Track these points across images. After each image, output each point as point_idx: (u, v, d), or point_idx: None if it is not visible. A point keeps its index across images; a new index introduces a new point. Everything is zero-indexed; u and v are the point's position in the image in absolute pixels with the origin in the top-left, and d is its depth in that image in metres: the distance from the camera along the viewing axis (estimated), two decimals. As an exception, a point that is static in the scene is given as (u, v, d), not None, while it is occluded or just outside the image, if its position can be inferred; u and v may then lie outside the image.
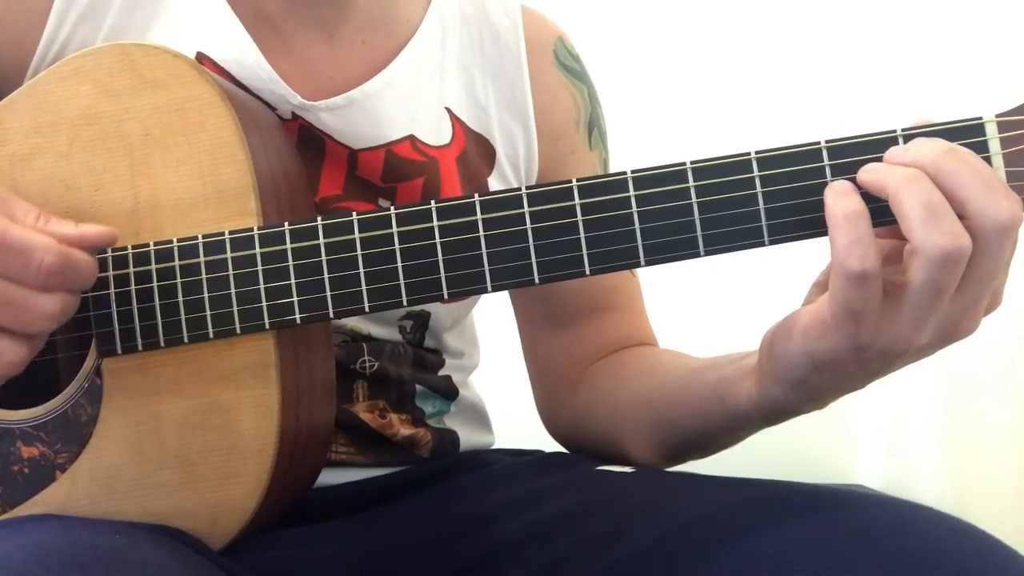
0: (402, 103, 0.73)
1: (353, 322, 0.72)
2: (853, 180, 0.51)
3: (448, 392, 0.79)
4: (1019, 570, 0.49)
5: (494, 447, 0.83)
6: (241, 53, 0.69)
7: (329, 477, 0.70)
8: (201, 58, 0.68)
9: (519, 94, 0.78)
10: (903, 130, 0.53)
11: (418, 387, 0.76)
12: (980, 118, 0.52)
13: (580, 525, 0.61)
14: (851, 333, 0.50)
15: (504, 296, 0.83)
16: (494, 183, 0.77)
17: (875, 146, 0.52)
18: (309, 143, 0.70)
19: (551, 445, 0.82)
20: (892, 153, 0.51)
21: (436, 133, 0.74)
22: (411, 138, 0.73)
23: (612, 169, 0.83)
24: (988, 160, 0.52)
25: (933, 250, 0.48)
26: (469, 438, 0.80)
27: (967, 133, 0.52)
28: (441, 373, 0.79)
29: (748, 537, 0.53)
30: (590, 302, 0.79)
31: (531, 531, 0.63)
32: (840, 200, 0.50)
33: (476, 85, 0.77)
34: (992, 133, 0.52)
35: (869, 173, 0.51)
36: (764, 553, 0.52)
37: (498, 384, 0.90)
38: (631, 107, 1.25)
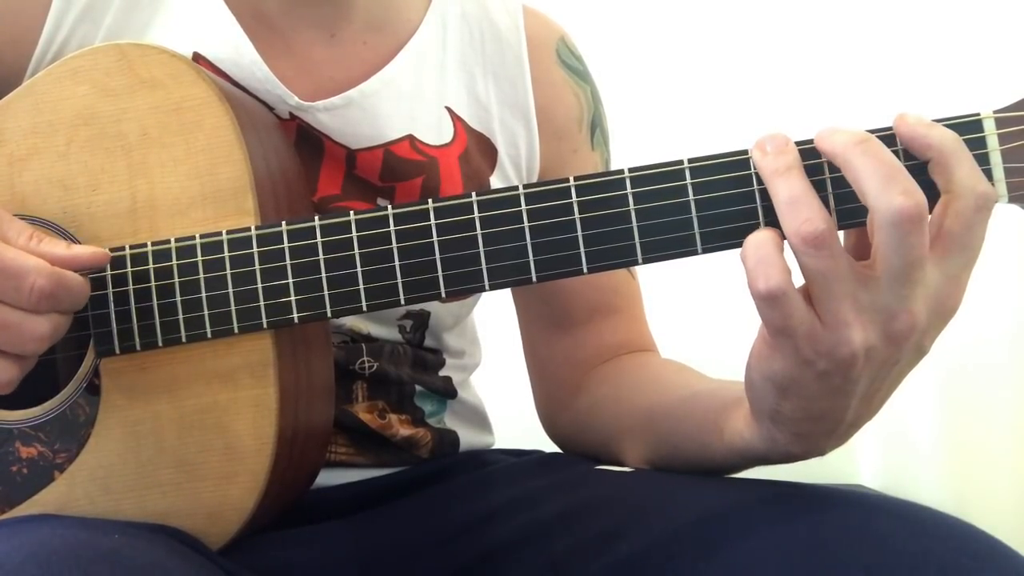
0: (401, 102, 0.73)
1: (352, 321, 0.72)
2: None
3: (447, 393, 0.78)
4: (1019, 570, 0.49)
5: (494, 447, 0.83)
6: (238, 53, 0.69)
7: (328, 478, 0.70)
8: (197, 58, 0.68)
9: (521, 93, 0.78)
10: (901, 126, 0.52)
11: (417, 387, 0.76)
12: (978, 114, 0.52)
13: (579, 525, 0.61)
14: (790, 349, 0.50)
15: (504, 296, 0.83)
16: (496, 182, 0.77)
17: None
18: (307, 143, 0.70)
19: (551, 445, 0.82)
20: (819, 135, 0.51)
21: (437, 132, 0.74)
22: (410, 138, 0.72)
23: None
24: (985, 157, 0.52)
25: (794, 238, 0.49)
26: (469, 438, 0.80)
27: (964, 129, 0.52)
28: (441, 373, 0.78)
29: (747, 537, 0.53)
30: (591, 304, 0.79)
31: (530, 531, 0.63)
32: (752, 236, 0.50)
33: (477, 84, 0.77)
34: (990, 129, 0.52)
35: (755, 153, 0.52)
36: (763, 553, 0.52)
37: (498, 384, 0.90)
38: (632, 107, 1.25)
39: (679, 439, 0.65)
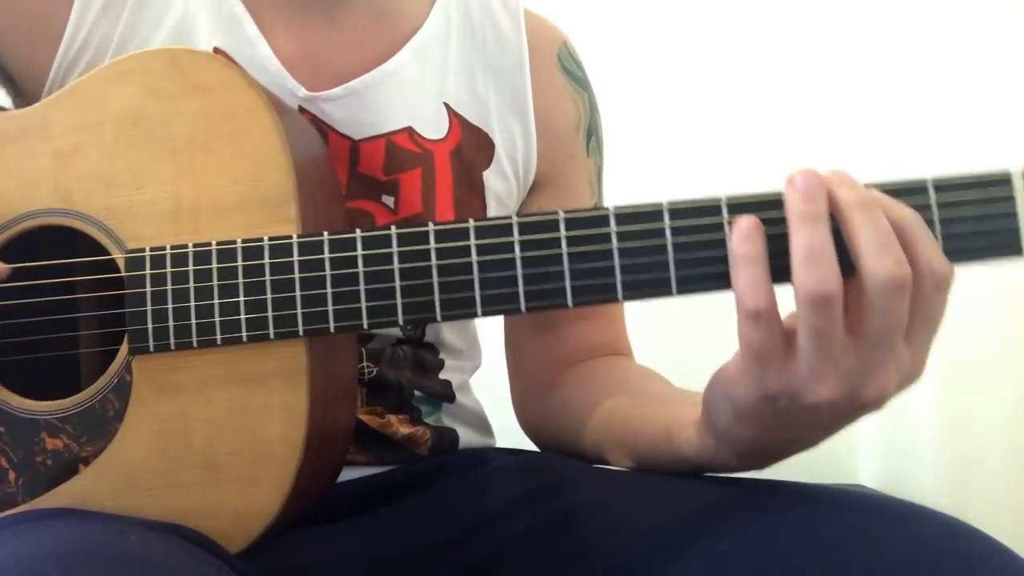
0: (404, 94, 0.74)
1: None
2: None
3: (446, 397, 0.79)
4: (1017, 571, 0.50)
5: (493, 447, 0.84)
6: (253, 48, 0.71)
7: None
8: (217, 52, 0.70)
9: (520, 94, 0.79)
10: (934, 180, 0.54)
11: (416, 392, 0.76)
12: (1008, 173, 0.54)
13: (579, 523, 0.62)
14: (758, 377, 0.52)
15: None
16: (491, 177, 0.78)
17: (903, 192, 0.54)
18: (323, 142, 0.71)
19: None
20: (831, 179, 0.52)
21: (434, 127, 0.75)
22: (409, 130, 0.74)
23: (604, 179, 0.86)
24: (1015, 217, 0.53)
25: (801, 291, 0.50)
26: (468, 437, 0.80)
27: (993, 186, 0.54)
28: (441, 376, 0.79)
29: (746, 536, 0.54)
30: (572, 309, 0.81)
31: (532, 530, 0.64)
32: (742, 244, 0.52)
33: (477, 81, 0.78)
34: (1019, 188, 0.53)
35: (787, 187, 0.52)
36: (762, 553, 0.53)
37: (499, 385, 0.90)
38: (630, 113, 1.25)
39: (635, 442, 0.67)
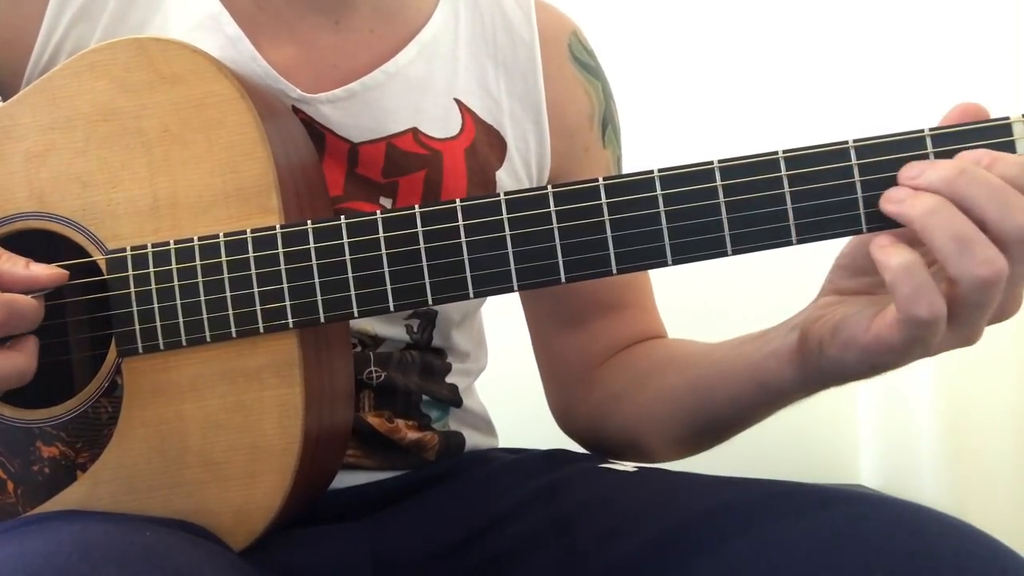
0: (408, 94, 0.72)
1: (360, 322, 0.71)
2: (882, 182, 0.52)
3: (453, 402, 0.78)
4: (1017, 571, 0.50)
5: (497, 447, 0.83)
6: (236, 50, 0.68)
7: (337, 480, 0.69)
8: None
9: (532, 88, 0.77)
10: (931, 130, 0.53)
11: (424, 397, 0.75)
12: (1008, 118, 0.52)
13: (583, 523, 0.62)
14: (920, 354, 0.53)
15: (509, 297, 0.82)
16: (504, 176, 0.76)
17: (903, 145, 0.53)
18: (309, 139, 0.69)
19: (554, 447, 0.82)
20: (905, 176, 0.51)
21: (443, 125, 0.73)
22: (414, 131, 0.72)
23: (625, 167, 0.83)
24: None
25: (973, 281, 0.49)
26: (474, 440, 0.79)
27: (994, 133, 0.52)
28: (448, 380, 0.78)
29: (747, 536, 0.54)
30: (603, 300, 0.79)
31: (538, 530, 0.64)
32: (891, 254, 0.50)
33: (488, 76, 0.76)
34: (1020, 133, 0.52)
35: (892, 204, 0.52)
36: (763, 552, 0.52)
37: (502, 387, 0.89)
38: (644, 103, 1.24)
39: (713, 406, 0.67)
